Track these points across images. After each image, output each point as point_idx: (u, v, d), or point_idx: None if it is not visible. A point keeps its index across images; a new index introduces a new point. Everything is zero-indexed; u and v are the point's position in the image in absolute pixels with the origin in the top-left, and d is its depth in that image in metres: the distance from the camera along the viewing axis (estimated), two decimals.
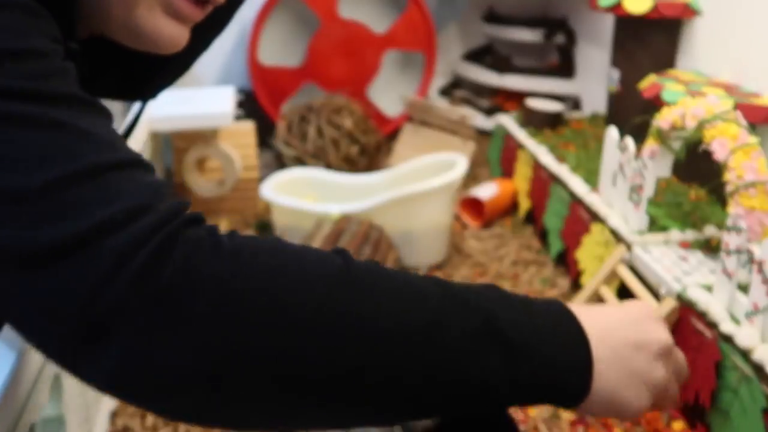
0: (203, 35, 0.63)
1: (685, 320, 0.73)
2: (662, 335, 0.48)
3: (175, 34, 0.50)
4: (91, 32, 0.52)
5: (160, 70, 0.60)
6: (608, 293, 0.83)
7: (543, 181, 1.10)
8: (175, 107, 1.10)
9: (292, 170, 1.13)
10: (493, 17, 1.63)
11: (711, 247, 0.84)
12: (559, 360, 0.42)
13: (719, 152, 0.74)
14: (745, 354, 0.65)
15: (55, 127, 0.35)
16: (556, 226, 1.04)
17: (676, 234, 0.86)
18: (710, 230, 0.86)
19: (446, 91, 1.66)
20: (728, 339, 0.67)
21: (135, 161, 0.36)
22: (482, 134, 1.47)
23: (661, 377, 0.47)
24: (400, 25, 1.52)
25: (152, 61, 0.54)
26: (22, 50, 0.37)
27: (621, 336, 0.46)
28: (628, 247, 0.85)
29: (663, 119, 0.82)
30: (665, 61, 1.12)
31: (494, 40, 1.68)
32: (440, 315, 0.39)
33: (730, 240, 0.69)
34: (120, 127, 0.79)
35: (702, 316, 0.71)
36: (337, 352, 0.35)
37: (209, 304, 0.32)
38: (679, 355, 0.50)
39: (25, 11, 0.39)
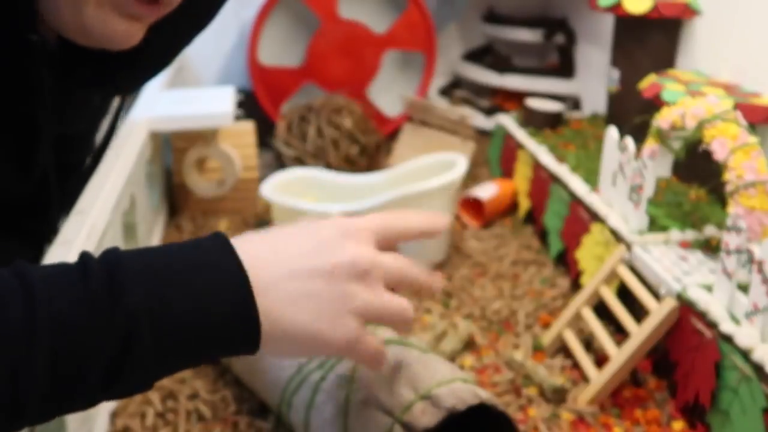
0: (183, 31, 0.62)
1: (685, 320, 0.73)
2: (352, 253, 0.46)
3: (126, 32, 0.49)
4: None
5: (135, 66, 0.60)
6: (608, 293, 0.83)
7: (543, 181, 1.10)
8: (175, 107, 1.10)
9: (292, 170, 1.13)
10: (492, 17, 1.63)
11: (711, 247, 0.84)
12: (212, 313, 0.41)
13: (719, 152, 0.74)
14: (745, 354, 0.65)
15: None
16: (556, 226, 1.04)
17: (676, 234, 0.86)
18: (710, 230, 0.86)
19: (446, 91, 1.66)
20: (728, 339, 0.67)
21: None
22: (482, 134, 1.47)
23: (364, 299, 0.46)
24: (400, 25, 1.52)
25: (125, 56, 0.54)
26: None
27: (302, 266, 0.44)
28: (628, 247, 0.85)
29: (663, 119, 0.82)
30: (665, 61, 1.12)
31: (494, 40, 1.68)
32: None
33: (730, 240, 0.69)
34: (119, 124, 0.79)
35: (702, 315, 0.71)
36: None
37: None
38: (387, 264, 0.48)
39: None
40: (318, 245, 0.46)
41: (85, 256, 0.42)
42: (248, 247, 0.44)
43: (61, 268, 0.41)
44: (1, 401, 0.36)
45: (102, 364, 0.38)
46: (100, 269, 0.40)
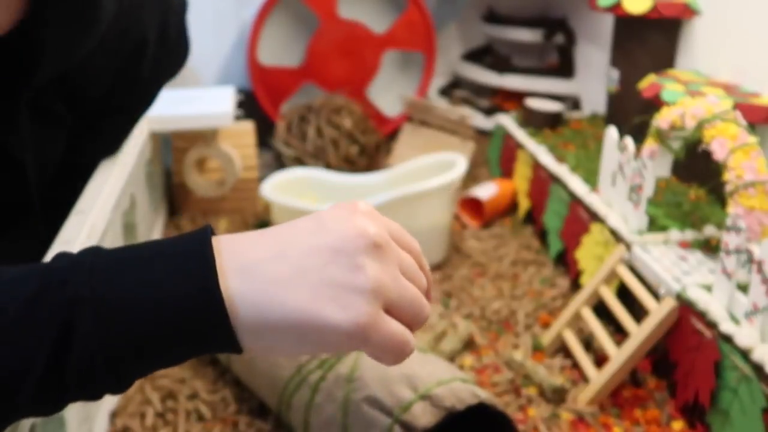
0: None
1: (685, 320, 0.73)
2: (365, 229, 0.39)
3: None
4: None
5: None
6: (608, 293, 0.83)
7: (542, 181, 1.10)
8: (175, 107, 1.10)
9: (291, 170, 1.13)
10: (492, 17, 1.63)
11: (710, 247, 0.84)
12: (166, 298, 0.36)
13: (719, 152, 0.74)
14: (745, 354, 0.65)
15: None
16: (556, 226, 1.04)
17: (675, 234, 0.86)
18: (710, 230, 0.86)
19: (446, 91, 1.66)
20: (728, 339, 0.67)
21: None
22: (482, 134, 1.47)
23: (372, 276, 0.38)
24: (399, 25, 1.52)
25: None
26: None
27: (310, 246, 0.39)
28: (628, 246, 0.85)
29: (662, 119, 0.82)
30: (665, 60, 1.12)
31: (494, 40, 1.68)
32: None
33: (730, 240, 0.69)
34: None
35: (701, 315, 0.71)
36: None
37: None
38: (402, 251, 0.41)
39: None
40: (320, 223, 0.40)
41: (58, 255, 0.39)
42: (235, 236, 0.40)
43: (26, 267, 0.39)
44: None
45: (42, 356, 0.36)
46: (59, 267, 0.38)
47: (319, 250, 0.39)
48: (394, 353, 0.40)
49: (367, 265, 0.38)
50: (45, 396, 0.37)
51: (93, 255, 0.39)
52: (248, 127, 1.23)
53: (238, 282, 0.37)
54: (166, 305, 0.37)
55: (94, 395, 0.39)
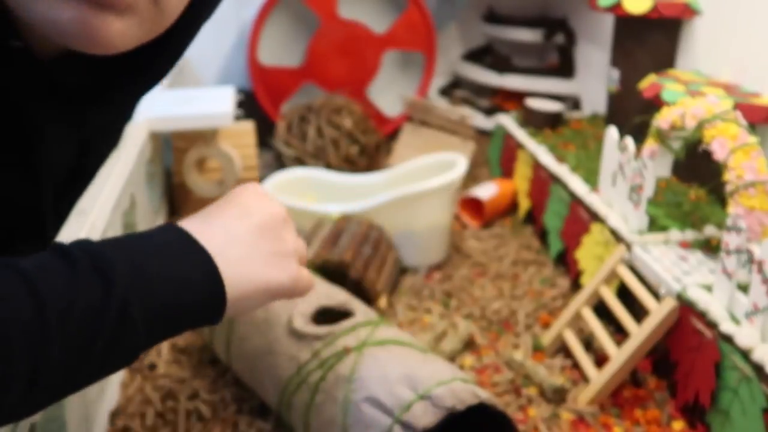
0: (186, 24, 0.59)
1: (685, 320, 0.73)
2: (275, 208, 0.52)
3: (80, 22, 0.40)
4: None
5: (137, 70, 0.56)
6: (608, 293, 0.83)
7: (543, 181, 1.10)
8: (175, 107, 1.10)
9: (292, 170, 1.13)
10: (492, 17, 1.63)
11: (711, 247, 0.84)
12: (188, 287, 0.44)
13: (719, 152, 0.74)
14: (745, 354, 0.65)
15: None
16: (556, 226, 1.04)
17: (675, 234, 0.86)
18: (710, 230, 0.86)
19: (446, 91, 1.66)
20: (728, 339, 0.67)
21: None
22: (482, 134, 1.47)
23: (291, 242, 0.52)
24: (400, 25, 1.52)
25: (125, 60, 0.51)
26: None
27: (246, 229, 0.49)
28: (628, 246, 0.85)
29: (663, 119, 0.82)
30: (665, 60, 1.12)
31: (494, 40, 1.68)
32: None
33: (730, 240, 0.69)
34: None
35: (702, 315, 0.71)
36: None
37: None
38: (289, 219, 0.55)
39: None
40: (244, 208, 0.51)
41: (57, 245, 0.42)
42: (190, 226, 0.47)
43: (43, 256, 0.40)
44: (20, 394, 0.36)
45: (104, 341, 0.40)
46: (81, 255, 0.41)
47: (253, 230, 0.49)
48: (308, 290, 0.54)
49: (286, 235, 0.51)
50: (93, 377, 0.41)
51: (105, 245, 0.42)
52: (248, 127, 1.23)
53: (220, 266, 0.46)
54: (188, 292, 0.44)
55: (111, 372, 0.43)
